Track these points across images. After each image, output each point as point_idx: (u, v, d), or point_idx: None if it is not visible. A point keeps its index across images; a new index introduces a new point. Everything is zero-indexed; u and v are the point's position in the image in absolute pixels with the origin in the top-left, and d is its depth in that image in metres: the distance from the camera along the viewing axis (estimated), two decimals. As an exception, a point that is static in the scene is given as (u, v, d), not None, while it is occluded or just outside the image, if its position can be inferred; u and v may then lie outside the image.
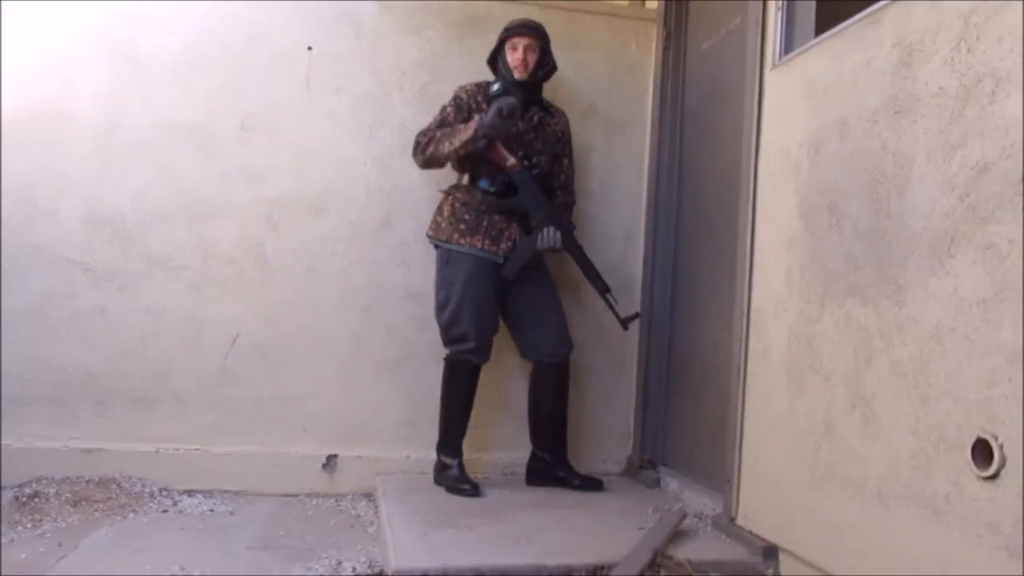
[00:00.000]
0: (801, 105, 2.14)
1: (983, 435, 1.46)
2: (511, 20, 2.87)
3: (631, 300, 3.21)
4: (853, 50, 1.92)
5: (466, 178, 2.89)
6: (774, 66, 2.31)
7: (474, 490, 2.69)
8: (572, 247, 2.88)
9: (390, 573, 2.01)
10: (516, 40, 2.82)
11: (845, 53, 1.96)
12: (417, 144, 2.81)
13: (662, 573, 2.06)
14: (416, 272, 3.09)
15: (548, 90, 3.05)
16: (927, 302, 1.63)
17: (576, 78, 3.24)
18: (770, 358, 2.21)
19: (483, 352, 2.82)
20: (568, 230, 2.86)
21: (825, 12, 2.23)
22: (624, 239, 3.30)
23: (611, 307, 2.92)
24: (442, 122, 2.81)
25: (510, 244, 2.82)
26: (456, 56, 3.14)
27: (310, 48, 3.05)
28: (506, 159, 2.78)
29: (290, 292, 3.02)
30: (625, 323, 2.97)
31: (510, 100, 2.71)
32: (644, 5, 3.41)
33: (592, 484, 2.86)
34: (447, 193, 2.90)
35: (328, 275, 3.05)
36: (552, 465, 2.90)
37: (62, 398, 2.87)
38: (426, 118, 3.06)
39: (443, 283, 2.82)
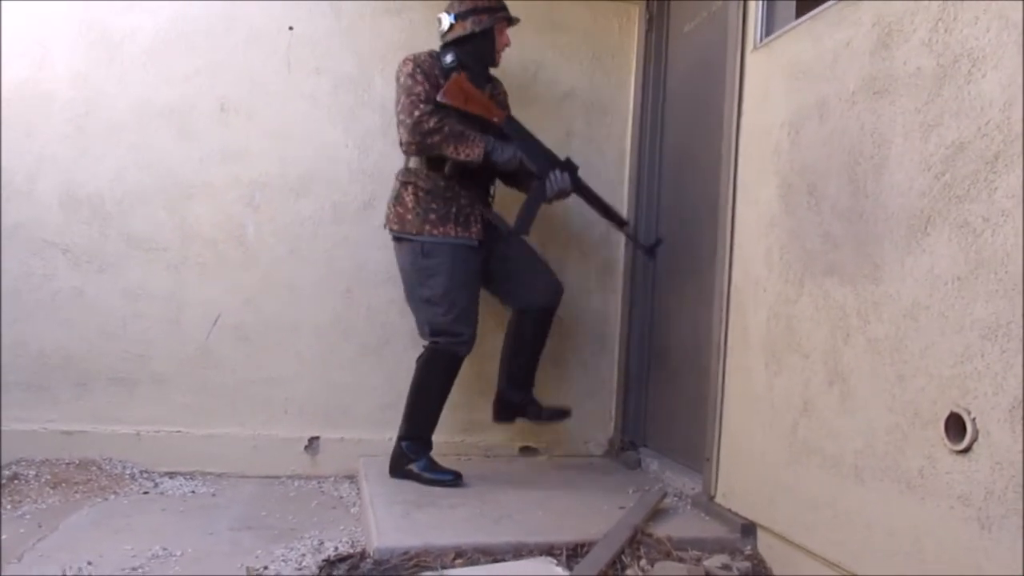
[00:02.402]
0: (781, 87, 2.15)
1: (956, 410, 1.48)
2: (500, 1, 2.79)
3: (613, 283, 3.24)
4: (833, 31, 1.94)
5: (418, 162, 2.70)
6: (755, 48, 2.32)
7: (456, 479, 2.62)
8: (581, 187, 2.79)
9: (372, 552, 2.02)
10: (505, 25, 2.77)
11: (825, 34, 1.97)
12: (419, 122, 2.56)
13: (642, 550, 2.08)
14: (398, 254, 3.08)
15: (528, 74, 3.07)
16: (903, 280, 1.65)
17: (557, 62, 3.24)
18: (749, 338, 2.24)
19: (472, 342, 2.74)
20: (574, 170, 2.76)
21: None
22: (605, 222, 3.29)
23: (632, 239, 2.92)
24: (427, 98, 2.61)
25: (479, 226, 2.71)
26: (437, 39, 3.11)
27: (291, 28, 3.02)
28: (492, 112, 2.67)
29: (271, 274, 3.01)
30: (650, 251, 2.91)
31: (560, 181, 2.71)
32: (627, -12, 3.41)
33: (558, 414, 2.88)
34: (404, 182, 2.72)
35: (310, 257, 3.04)
36: (523, 402, 2.87)
37: (41, 381, 2.85)
38: (408, 100, 3.05)
39: (424, 276, 2.67)
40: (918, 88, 1.64)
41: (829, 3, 1.96)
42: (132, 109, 2.92)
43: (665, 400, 3.01)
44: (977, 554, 1.43)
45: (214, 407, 2.95)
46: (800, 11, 2.18)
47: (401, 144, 2.67)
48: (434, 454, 2.70)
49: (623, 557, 2.01)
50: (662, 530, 2.17)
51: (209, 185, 2.97)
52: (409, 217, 2.68)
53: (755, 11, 2.33)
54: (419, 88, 2.62)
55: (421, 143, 2.59)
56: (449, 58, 2.70)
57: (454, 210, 2.68)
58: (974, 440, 1.45)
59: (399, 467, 2.69)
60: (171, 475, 2.85)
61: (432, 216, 2.66)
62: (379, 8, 3.09)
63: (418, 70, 2.65)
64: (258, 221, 3.00)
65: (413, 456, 2.68)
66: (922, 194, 1.61)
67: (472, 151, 2.60)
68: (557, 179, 2.69)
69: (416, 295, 2.72)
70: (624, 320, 3.22)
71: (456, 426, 3.03)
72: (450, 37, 2.75)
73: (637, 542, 2.09)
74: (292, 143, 3.03)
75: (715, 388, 2.39)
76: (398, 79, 2.68)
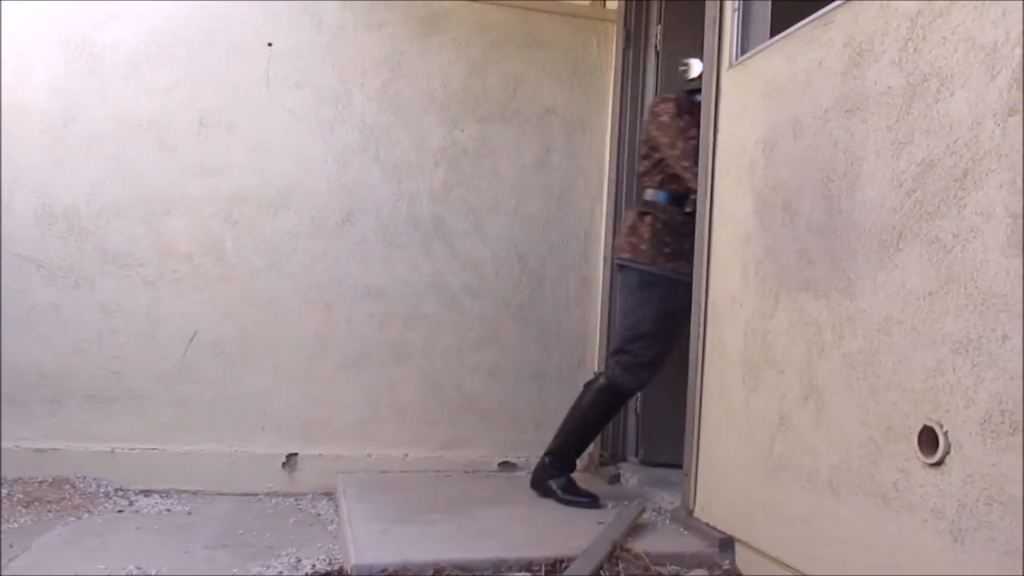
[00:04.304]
0: (756, 104, 2.18)
1: (929, 423, 1.50)
2: None
3: (592, 298, 3.25)
4: (806, 50, 1.97)
5: (660, 195, 2.70)
6: (731, 66, 2.35)
7: (593, 501, 2.61)
8: None
9: (349, 569, 2.00)
10: None
11: (799, 53, 2.00)
12: None
13: (620, 566, 2.07)
14: (377, 269, 3.08)
15: (508, 90, 3.12)
16: (876, 295, 1.67)
17: (537, 78, 3.26)
18: (726, 353, 2.25)
19: (645, 386, 2.77)
20: None
21: (780, 13, 2.27)
22: (584, 238, 3.32)
23: None
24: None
25: None
26: (418, 54, 3.14)
27: (270, 44, 3.03)
28: None
29: (250, 289, 2.99)
30: None
31: None
32: (604, 5, 3.45)
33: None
34: (642, 212, 2.72)
35: (288, 272, 3.03)
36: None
37: (14, 397, 2.81)
38: (387, 116, 3.08)
39: (637, 305, 2.67)
40: (889, 107, 1.67)
41: (802, 23, 1.99)
42: (111, 121, 2.91)
43: (644, 415, 3.01)
44: (950, 567, 1.44)
45: (191, 423, 2.93)
46: (775, 30, 2.22)
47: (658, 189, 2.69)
48: (411, 469, 2.69)
49: (602, 572, 2.01)
50: (641, 545, 2.17)
51: (187, 199, 2.95)
52: (643, 247, 2.68)
53: (730, 30, 2.36)
54: (694, 131, 2.57)
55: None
56: (698, 98, 2.63)
57: (687, 246, 2.63)
58: (947, 453, 1.47)
59: (540, 480, 2.73)
60: (146, 493, 2.81)
61: (666, 250, 2.66)
62: (360, 23, 3.10)
63: (683, 110, 2.65)
64: (237, 235, 2.99)
65: (555, 472, 2.70)
66: (894, 210, 1.64)
67: None
68: None
69: (632, 326, 2.69)
70: (603, 336, 3.23)
71: (435, 441, 3.02)
72: (698, 84, 2.65)
73: (616, 557, 2.09)
74: (271, 157, 3.03)
75: (694, 403, 2.40)
76: (657, 116, 2.69)
